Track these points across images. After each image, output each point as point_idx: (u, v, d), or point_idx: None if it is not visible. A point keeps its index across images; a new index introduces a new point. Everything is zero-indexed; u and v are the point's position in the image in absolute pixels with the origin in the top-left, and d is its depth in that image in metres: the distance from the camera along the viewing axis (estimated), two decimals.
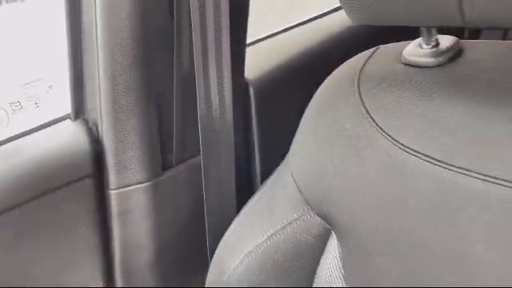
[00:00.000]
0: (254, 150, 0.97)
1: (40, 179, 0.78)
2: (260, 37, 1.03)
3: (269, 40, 1.03)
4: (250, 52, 0.95)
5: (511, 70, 0.53)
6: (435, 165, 0.51)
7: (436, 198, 0.51)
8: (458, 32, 1.40)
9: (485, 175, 0.48)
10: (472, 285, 0.51)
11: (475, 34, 1.36)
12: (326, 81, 0.65)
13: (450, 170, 0.50)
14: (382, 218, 0.56)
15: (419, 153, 0.52)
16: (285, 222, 0.65)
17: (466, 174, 0.49)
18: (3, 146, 0.79)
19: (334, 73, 0.65)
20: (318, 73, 0.66)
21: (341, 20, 1.07)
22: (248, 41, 0.96)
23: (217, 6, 0.75)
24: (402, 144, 0.54)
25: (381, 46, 0.64)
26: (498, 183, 0.47)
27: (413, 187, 0.53)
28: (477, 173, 0.49)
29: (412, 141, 0.53)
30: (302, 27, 1.08)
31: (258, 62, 0.96)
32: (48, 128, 0.84)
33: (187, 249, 0.91)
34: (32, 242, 0.80)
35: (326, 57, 0.73)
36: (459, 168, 0.49)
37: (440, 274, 0.53)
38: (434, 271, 0.53)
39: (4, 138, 0.80)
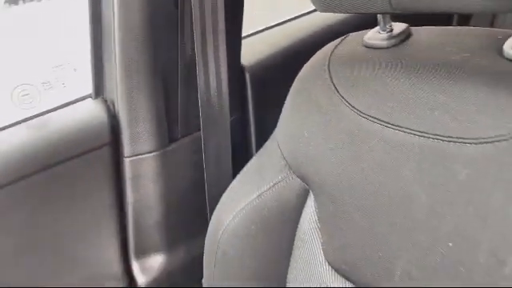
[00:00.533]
0: (250, 125, 1.01)
1: (65, 147, 0.84)
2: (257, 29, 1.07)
3: (265, 32, 1.08)
4: (247, 42, 1.00)
5: (443, 49, 0.59)
6: (382, 125, 0.57)
7: (383, 152, 0.57)
8: (447, 21, 1.40)
9: (412, 129, 0.55)
10: (411, 225, 0.56)
11: (464, 21, 1.36)
12: (305, 64, 0.70)
13: (392, 128, 0.56)
14: (345, 175, 0.61)
15: (372, 117, 0.58)
16: (271, 183, 0.70)
17: (401, 131, 0.56)
18: (36, 119, 0.85)
19: (312, 57, 0.70)
20: (306, 60, 0.71)
21: (329, 16, 1.08)
22: (246, 33, 1.00)
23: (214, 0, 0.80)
24: (359, 111, 0.60)
25: (350, 33, 0.70)
26: (422, 136, 0.54)
27: (367, 146, 0.58)
28: (408, 128, 0.55)
29: (367, 108, 0.59)
30: (294, 21, 1.12)
31: (253, 51, 1.01)
32: (73, 105, 0.90)
33: (190, 210, 0.96)
34: (57, 200, 0.86)
35: (315, 46, 0.74)
36: (398, 126, 0.56)
37: (392, 218, 0.58)
38: (388, 217, 0.58)
39: (36, 113, 0.85)
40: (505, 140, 0.49)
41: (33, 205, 0.83)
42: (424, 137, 0.54)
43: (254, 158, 0.76)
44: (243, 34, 1.00)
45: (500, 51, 0.54)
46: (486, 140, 0.50)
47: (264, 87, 0.98)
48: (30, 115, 0.85)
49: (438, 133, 0.53)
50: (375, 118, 0.58)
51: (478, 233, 0.51)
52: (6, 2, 1.03)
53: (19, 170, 0.80)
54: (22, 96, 0.87)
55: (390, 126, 0.57)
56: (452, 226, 0.52)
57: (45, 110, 0.87)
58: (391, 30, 0.63)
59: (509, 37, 0.54)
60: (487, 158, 0.50)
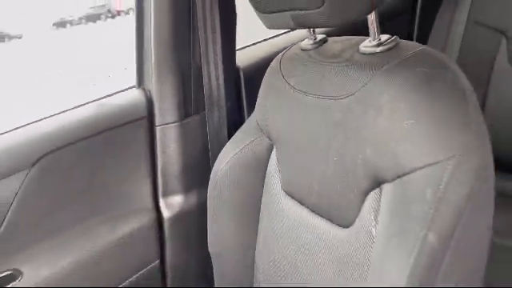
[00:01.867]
0: (243, 109, 1.19)
1: (117, 119, 1.03)
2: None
3: (257, 45, 1.28)
4: (243, 51, 1.21)
5: (334, 49, 0.75)
6: (304, 94, 0.74)
7: (304, 111, 0.72)
8: (407, 37, 1.64)
9: (316, 94, 0.72)
10: (319, 153, 0.69)
11: (423, 40, 1.45)
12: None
13: (308, 95, 0.73)
14: (289, 129, 0.76)
15: (300, 90, 0.75)
16: (248, 141, 0.86)
17: (311, 96, 0.72)
18: (99, 101, 1.05)
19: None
20: None
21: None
22: (243, 46, 1.21)
23: (212, 20, 1.00)
24: (294, 88, 0.76)
25: (298, 42, 0.84)
26: (320, 98, 0.71)
27: (297, 109, 0.75)
28: (315, 94, 0.72)
29: (298, 85, 0.76)
30: (280, 37, 1.32)
31: (247, 57, 1.21)
32: (123, 92, 1.10)
33: (200, 164, 1.13)
34: (110, 154, 1.02)
35: None
36: (311, 93, 0.73)
37: (310, 150, 0.70)
38: (308, 150, 0.72)
39: (100, 96, 1.06)
40: (355, 93, 0.66)
41: (95, 156, 1.00)
42: (321, 98, 0.72)
43: (241, 128, 0.94)
44: (242, 46, 1.20)
45: (358, 49, 0.71)
46: (346, 95, 0.68)
47: (253, 82, 1.00)
48: (96, 98, 1.05)
49: (326, 95, 0.71)
50: (301, 91, 0.75)
51: (346, 148, 0.67)
52: (54, 25, 1.18)
53: (88, 131, 0.99)
54: (92, 85, 1.11)
55: (307, 94, 0.74)
56: (335, 148, 0.69)
57: (105, 95, 1.07)
58: (315, 38, 0.82)
59: (364, 41, 0.72)
60: (348, 105, 0.67)
